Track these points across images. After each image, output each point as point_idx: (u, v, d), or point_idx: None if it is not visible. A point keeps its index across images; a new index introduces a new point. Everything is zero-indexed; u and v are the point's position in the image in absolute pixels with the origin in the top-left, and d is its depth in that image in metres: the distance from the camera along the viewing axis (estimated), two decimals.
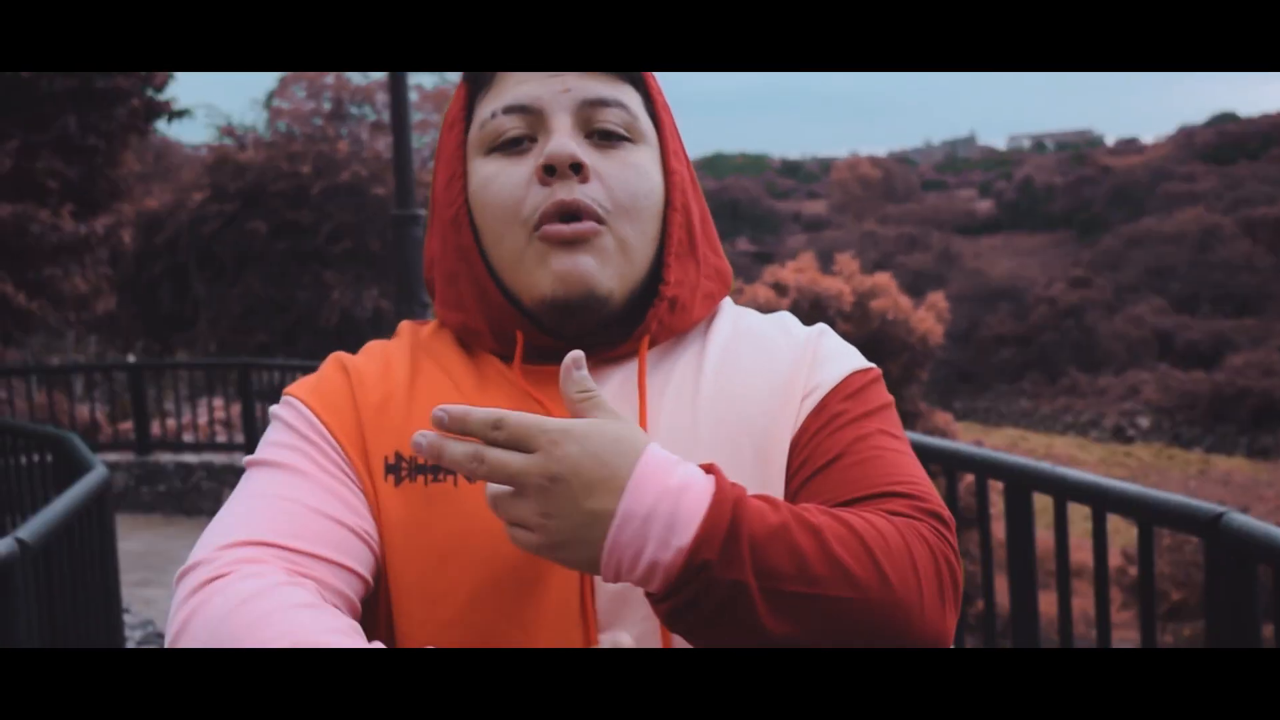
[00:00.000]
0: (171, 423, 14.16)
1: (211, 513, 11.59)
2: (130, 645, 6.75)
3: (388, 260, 25.05)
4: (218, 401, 15.48)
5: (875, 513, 1.26)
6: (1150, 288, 62.76)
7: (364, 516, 1.37)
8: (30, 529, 4.23)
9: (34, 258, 15.96)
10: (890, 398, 1.46)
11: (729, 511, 1.17)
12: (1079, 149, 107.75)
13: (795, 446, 1.39)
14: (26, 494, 7.35)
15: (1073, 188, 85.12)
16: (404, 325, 1.57)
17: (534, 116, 1.41)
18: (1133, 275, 64.10)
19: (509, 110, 1.42)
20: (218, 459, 12.09)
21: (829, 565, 1.18)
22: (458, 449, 1.20)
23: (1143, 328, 57.98)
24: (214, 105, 65.18)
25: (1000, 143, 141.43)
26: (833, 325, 1.59)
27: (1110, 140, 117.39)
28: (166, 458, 12.31)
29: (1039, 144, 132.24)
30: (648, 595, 1.21)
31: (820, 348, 1.46)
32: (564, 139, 1.38)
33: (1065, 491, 3.71)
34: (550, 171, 1.37)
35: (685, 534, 1.16)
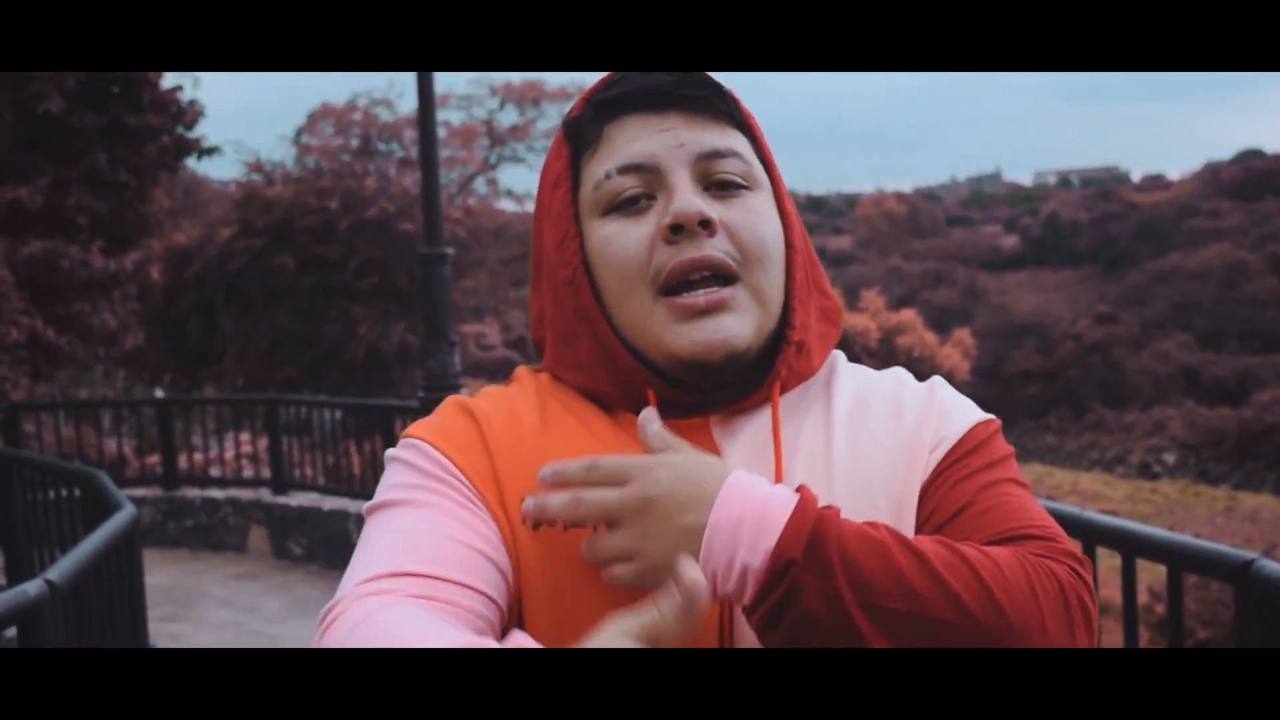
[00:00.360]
0: (199, 457, 14.21)
1: (236, 548, 11.66)
2: None
3: (415, 295, 25.12)
4: (244, 436, 15.55)
5: (999, 548, 1.26)
6: (1176, 324, 62.49)
7: (498, 548, 1.34)
8: (59, 570, 4.25)
9: (64, 293, 16.07)
10: (1010, 449, 1.46)
11: (813, 516, 1.21)
12: (1105, 185, 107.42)
13: (924, 496, 1.39)
14: (54, 529, 7.37)
15: (1098, 224, 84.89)
16: (521, 371, 1.54)
17: (651, 175, 1.39)
18: (1159, 311, 63.84)
19: (624, 170, 1.39)
20: (244, 494, 12.10)
21: (932, 586, 1.19)
22: (555, 499, 1.26)
23: (1169, 364, 57.71)
24: (242, 141, 65.60)
25: (1026, 179, 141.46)
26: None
27: (1136, 176, 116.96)
28: (193, 493, 12.33)
29: (1065, 180, 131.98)
30: (744, 611, 1.23)
31: (943, 401, 1.47)
32: (689, 196, 1.37)
33: (1094, 536, 3.68)
34: (677, 230, 1.35)
35: (771, 536, 1.20)
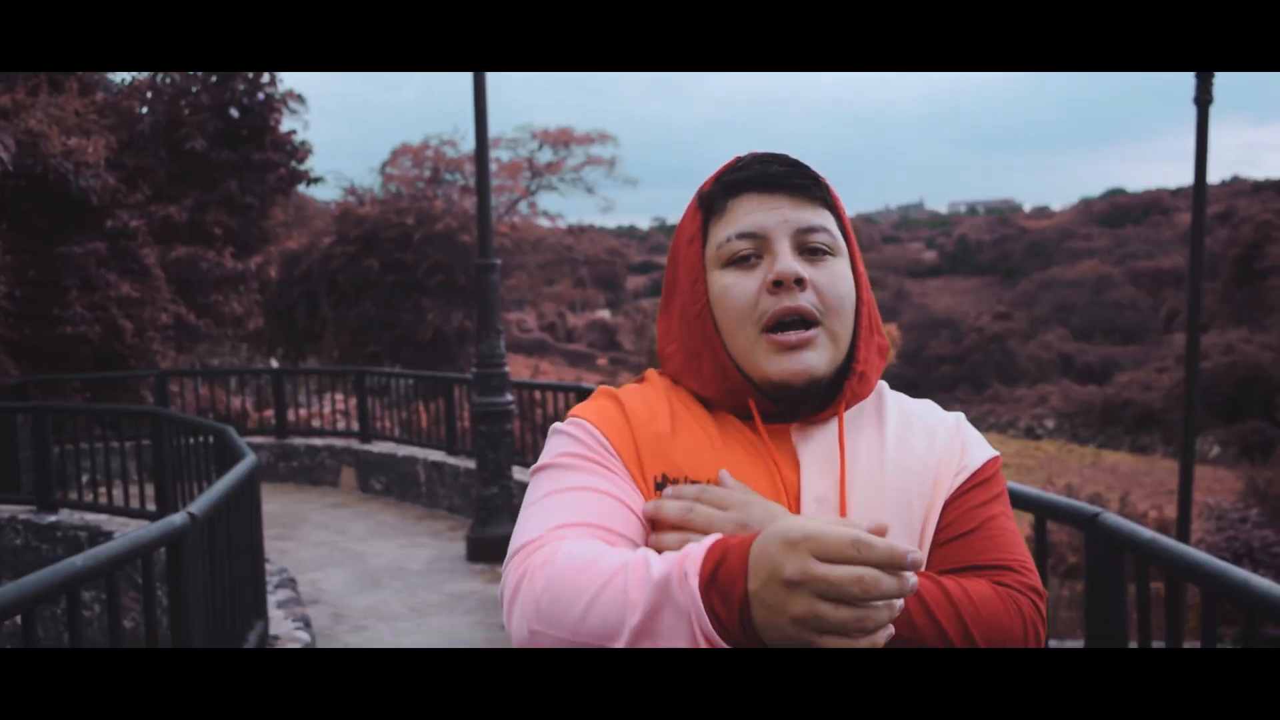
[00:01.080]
0: (303, 412, 14.21)
1: (331, 484, 11.68)
2: (269, 586, 6.78)
3: (471, 291, 25.13)
4: (339, 397, 15.53)
5: (983, 581, 1.33)
6: (1057, 321, 62.38)
7: (639, 506, 1.39)
8: (199, 505, 4.29)
9: (203, 287, 16.12)
10: (1005, 483, 1.50)
11: None
12: (1003, 213, 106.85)
13: (946, 509, 1.44)
14: (194, 468, 7.41)
15: (998, 243, 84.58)
16: (652, 374, 1.58)
17: (761, 240, 1.43)
18: (1043, 311, 63.70)
19: (742, 236, 1.44)
20: (338, 442, 12.12)
21: (925, 621, 1.26)
22: (671, 506, 1.34)
23: (1050, 351, 57.61)
24: (341, 172, 65.44)
25: (943, 207, 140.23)
26: None
27: (1027, 207, 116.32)
28: (298, 440, 12.35)
29: (972, 209, 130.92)
30: None
31: (967, 436, 1.51)
32: (789, 259, 1.42)
33: None
34: (778, 284, 1.41)
35: None
